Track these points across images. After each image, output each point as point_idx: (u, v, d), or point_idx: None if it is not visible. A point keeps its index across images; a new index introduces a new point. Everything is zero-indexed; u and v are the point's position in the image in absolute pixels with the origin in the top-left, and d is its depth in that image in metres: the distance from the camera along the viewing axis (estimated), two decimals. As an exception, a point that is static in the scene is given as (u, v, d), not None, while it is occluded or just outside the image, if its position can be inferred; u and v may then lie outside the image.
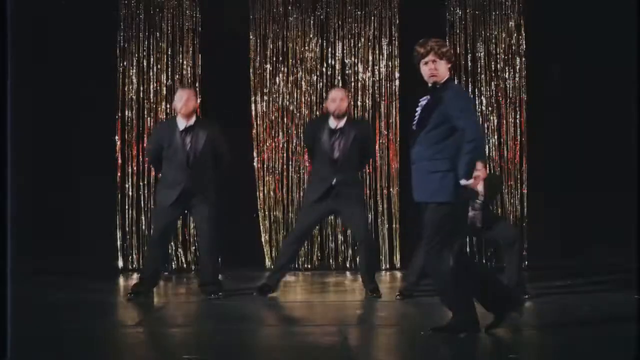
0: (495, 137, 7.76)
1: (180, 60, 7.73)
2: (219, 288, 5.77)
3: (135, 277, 7.07)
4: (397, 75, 7.76)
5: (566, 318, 4.76)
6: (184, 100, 5.76)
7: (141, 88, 7.71)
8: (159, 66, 7.72)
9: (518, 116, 7.78)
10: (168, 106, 7.66)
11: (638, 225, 6.50)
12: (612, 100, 7.64)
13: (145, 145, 7.56)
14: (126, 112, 7.68)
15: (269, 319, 4.95)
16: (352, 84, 7.77)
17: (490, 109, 7.77)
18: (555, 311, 5.04)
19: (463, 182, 3.96)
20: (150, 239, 6.12)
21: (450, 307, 4.21)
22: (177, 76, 7.71)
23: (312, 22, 7.80)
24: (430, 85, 4.18)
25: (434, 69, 4.11)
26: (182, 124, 5.80)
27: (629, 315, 4.49)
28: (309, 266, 7.66)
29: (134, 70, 7.71)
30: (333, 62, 7.77)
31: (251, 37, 7.78)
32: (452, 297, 4.16)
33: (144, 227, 7.63)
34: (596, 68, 7.65)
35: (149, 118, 7.68)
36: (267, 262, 7.67)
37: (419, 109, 4.17)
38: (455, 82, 4.21)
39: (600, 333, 4.19)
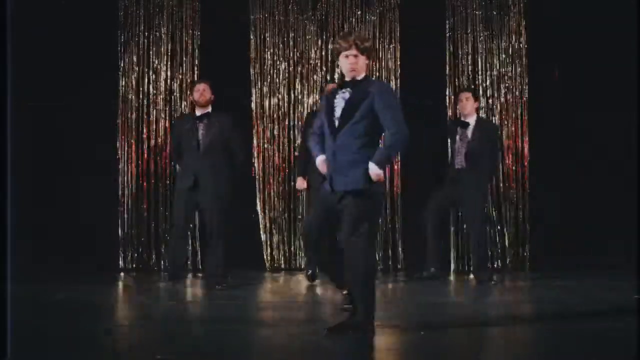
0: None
1: (180, 60, 7.74)
2: (223, 279, 6.14)
3: (133, 276, 7.11)
4: (397, 74, 7.78)
5: (566, 317, 4.75)
6: (200, 91, 6.27)
7: (140, 87, 7.71)
8: (158, 66, 7.73)
9: (520, 116, 7.79)
10: (167, 106, 7.69)
11: (638, 225, 6.51)
12: (613, 100, 7.64)
13: (144, 144, 7.61)
14: (126, 112, 7.69)
15: (268, 319, 4.95)
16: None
17: (491, 109, 7.78)
18: (556, 310, 5.04)
19: (372, 169, 3.98)
20: (171, 231, 6.45)
21: (357, 302, 4.10)
22: (177, 76, 7.73)
23: (312, 22, 7.81)
24: (348, 79, 4.14)
25: (355, 62, 4.09)
26: (197, 112, 6.33)
27: (629, 315, 4.49)
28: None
29: (134, 70, 7.72)
30: (331, 61, 7.78)
31: (251, 37, 7.79)
32: (364, 292, 4.08)
33: (144, 226, 7.64)
34: (597, 68, 7.65)
35: (148, 117, 7.69)
36: (266, 263, 7.68)
37: (339, 101, 4.10)
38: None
39: (601, 332, 4.19)
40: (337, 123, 4.08)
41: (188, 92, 6.71)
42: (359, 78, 4.12)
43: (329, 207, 4.12)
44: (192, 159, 6.23)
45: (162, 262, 7.59)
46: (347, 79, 4.17)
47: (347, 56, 4.09)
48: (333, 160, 4.07)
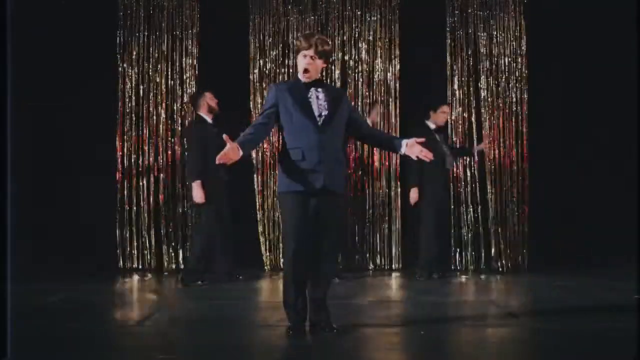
0: (496, 137, 7.78)
1: (180, 61, 7.74)
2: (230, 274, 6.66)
3: (133, 276, 7.12)
4: (397, 75, 7.78)
5: (566, 317, 4.76)
6: (216, 101, 6.67)
7: (140, 87, 7.71)
8: (158, 66, 7.73)
9: (519, 116, 7.78)
10: (167, 106, 7.68)
11: (638, 225, 6.51)
12: (613, 100, 7.64)
13: (144, 144, 7.60)
14: (126, 112, 7.68)
15: (268, 319, 4.95)
16: (352, 83, 7.77)
17: (491, 109, 7.78)
18: (556, 310, 5.05)
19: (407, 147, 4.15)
20: (210, 233, 6.58)
21: (324, 304, 4.24)
22: (177, 76, 7.72)
23: (311, 22, 7.80)
24: (302, 78, 4.17)
25: (311, 63, 4.15)
26: (209, 118, 6.68)
27: (629, 315, 4.49)
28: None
29: (134, 70, 7.71)
30: (332, 64, 7.77)
31: (250, 37, 7.78)
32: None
33: (144, 226, 7.63)
34: (597, 68, 7.66)
35: (148, 117, 7.68)
36: (266, 263, 7.68)
37: (314, 99, 4.13)
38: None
39: (601, 332, 4.20)
40: (321, 120, 4.10)
41: (198, 98, 6.72)
42: (314, 79, 4.18)
43: (306, 225, 4.04)
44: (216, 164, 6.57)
45: (167, 263, 7.64)
46: (300, 77, 4.20)
47: (305, 55, 4.16)
48: (318, 155, 4.05)
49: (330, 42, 4.31)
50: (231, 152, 3.86)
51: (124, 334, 4.33)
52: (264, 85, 7.75)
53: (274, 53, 7.77)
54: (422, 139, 4.17)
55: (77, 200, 7.65)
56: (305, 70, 4.15)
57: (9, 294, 3.10)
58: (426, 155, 4.13)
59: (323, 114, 4.11)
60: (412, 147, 4.13)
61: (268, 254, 7.71)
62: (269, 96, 4.20)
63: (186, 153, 6.87)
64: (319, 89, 4.18)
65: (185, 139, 7.14)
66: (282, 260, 7.73)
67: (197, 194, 6.45)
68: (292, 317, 4.17)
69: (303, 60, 4.16)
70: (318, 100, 4.13)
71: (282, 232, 4.23)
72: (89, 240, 7.56)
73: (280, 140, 4.25)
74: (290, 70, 7.75)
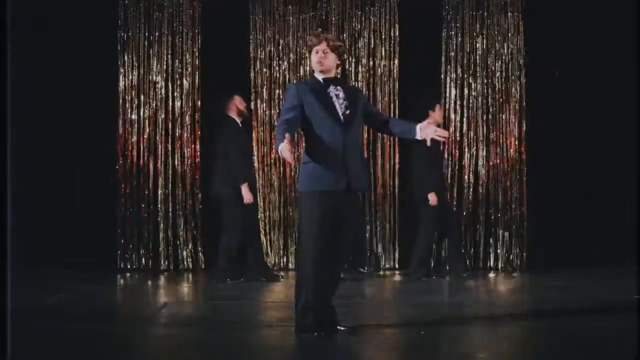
0: (495, 136, 7.77)
1: (180, 60, 7.73)
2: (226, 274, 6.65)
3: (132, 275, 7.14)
4: (396, 75, 7.78)
5: (565, 317, 4.76)
6: (245, 105, 6.83)
7: (140, 87, 7.70)
8: (158, 65, 7.72)
9: (517, 115, 7.78)
10: (167, 105, 7.68)
11: (638, 225, 6.52)
12: (612, 100, 7.65)
13: (144, 144, 7.59)
14: (126, 112, 7.67)
15: (268, 319, 4.95)
16: (351, 83, 7.78)
17: (490, 108, 7.78)
18: (555, 310, 5.05)
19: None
20: (245, 232, 6.69)
21: (330, 302, 4.17)
22: (177, 76, 7.71)
23: (312, 21, 7.79)
24: (318, 75, 4.16)
25: (324, 58, 4.13)
26: (238, 121, 6.78)
27: (629, 315, 4.49)
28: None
29: (134, 69, 7.70)
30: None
31: (251, 37, 7.78)
32: None
33: (143, 226, 7.63)
34: (597, 68, 7.66)
35: (148, 117, 7.67)
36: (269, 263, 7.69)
37: (334, 98, 4.10)
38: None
39: (601, 332, 4.20)
40: (344, 119, 4.08)
41: (228, 102, 6.74)
42: (330, 75, 4.16)
43: (331, 225, 3.96)
44: (250, 164, 6.91)
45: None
46: (316, 74, 4.19)
47: (317, 52, 4.15)
48: (344, 155, 4.02)
49: (342, 40, 4.30)
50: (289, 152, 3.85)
51: (124, 334, 4.33)
52: (264, 85, 7.75)
53: (274, 55, 7.78)
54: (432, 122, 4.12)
55: (77, 200, 7.64)
56: (320, 64, 4.12)
57: (9, 294, 3.10)
58: (441, 134, 4.06)
59: (346, 112, 4.09)
60: (425, 130, 4.07)
61: (270, 252, 7.70)
62: (289, 95, 4.12)
63: (227, 155, 6.62)
64: (338, 87, 4.16)
65: (222, 142, 6.73)
66: (281, 260, 7.74)
67: (247, 195, 6.54)
68: (301, 318, 4.08)
69: (315, 56, 4.15)
70: (338, 99, 4.12)
71: (303, 232, 4.08)
72: (89, 240, 7.55)
73: (304, 140, 4.19)
74: (290, 70, 7.75)
